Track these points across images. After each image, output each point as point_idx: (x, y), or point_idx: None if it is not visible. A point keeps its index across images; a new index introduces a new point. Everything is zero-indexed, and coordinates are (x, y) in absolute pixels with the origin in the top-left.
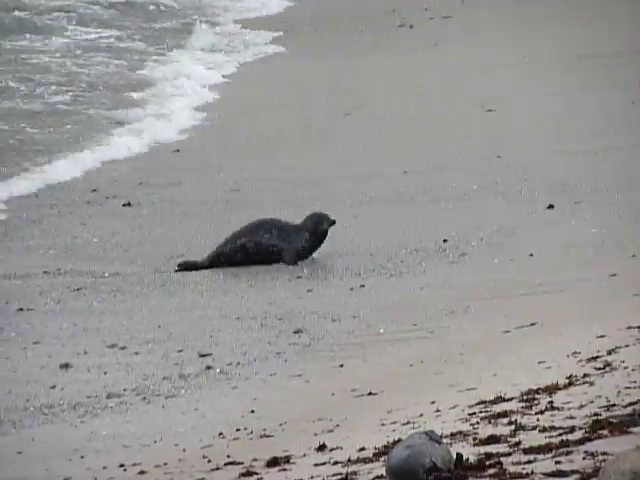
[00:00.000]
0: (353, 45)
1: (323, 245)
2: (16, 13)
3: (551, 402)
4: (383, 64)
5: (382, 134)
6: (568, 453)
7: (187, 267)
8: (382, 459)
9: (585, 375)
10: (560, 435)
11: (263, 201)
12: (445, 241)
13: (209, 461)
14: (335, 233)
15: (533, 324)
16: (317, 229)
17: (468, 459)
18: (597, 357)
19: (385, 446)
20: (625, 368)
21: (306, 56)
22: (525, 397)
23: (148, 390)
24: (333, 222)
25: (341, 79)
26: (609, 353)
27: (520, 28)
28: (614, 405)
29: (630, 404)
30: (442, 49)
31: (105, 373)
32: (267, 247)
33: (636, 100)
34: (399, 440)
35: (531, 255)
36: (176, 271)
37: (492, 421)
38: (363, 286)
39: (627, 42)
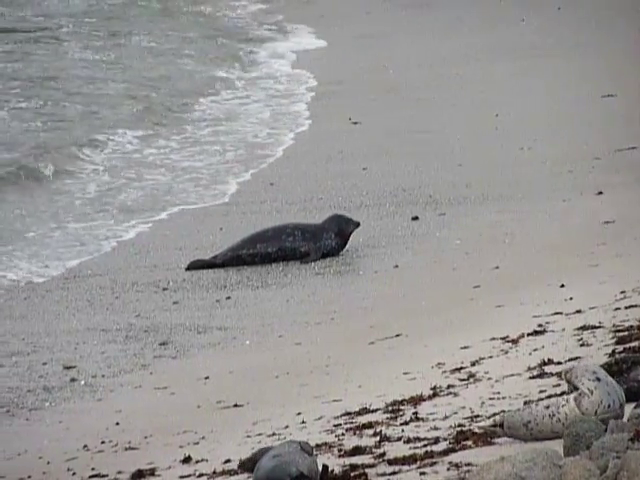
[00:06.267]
0: None
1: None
2: None
3: (416, 413)
4: None
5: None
6: (433, 464)
7: (198, 266)
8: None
9: (449, 386)
10: (425, 446)
11: None
12: None
13: (74, 474)
14: (202, 243)
15: (398, 335)
16: (342, 231)
17: (333, 470)
18: (461, 368)
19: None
20: (489, 379)
21: None
22: (390, 408)
23: (12, 403)
24: (357, 224)
25: None
26: (473, 364)
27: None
28: (478, 416)
29: (494, 415)
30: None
31: None
32: (293, 250)
33: (498, 114)
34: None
35: (396, 267)
36: (187, 270)
37: (357, 432)
38: (229, 298)
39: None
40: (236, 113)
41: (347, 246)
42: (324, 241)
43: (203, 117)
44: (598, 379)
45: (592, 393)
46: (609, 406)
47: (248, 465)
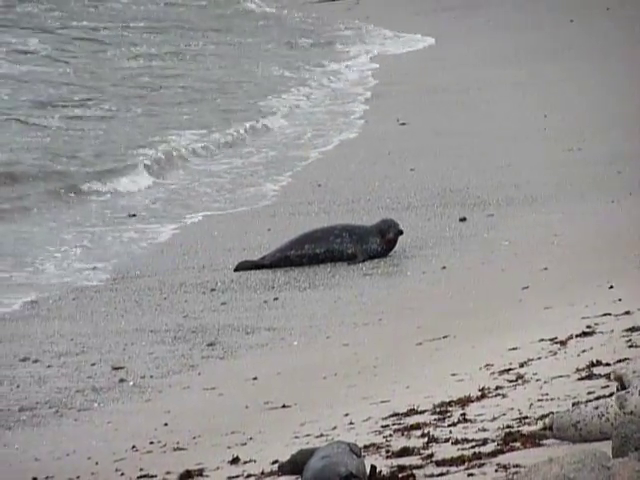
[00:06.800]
0: None
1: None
2: None
3: (464, 414)
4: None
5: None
6: (481, 465)
7: (246, 267)
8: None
9: (497, 387)
10: (473, 447)
11: None
12: None
13: (122, 474)
14: (250, 244)
15: (446, 336)
16: (386, 236)
17: (381, 471)
18: (509, 369)
19: None
20: (537, 380)
21: None
22: (438, 409)
23: (61, 403)
24: (400, 232)
25: None
26: (521, 365)
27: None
28: (526, 417)
29: (542, 416)
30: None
31: (18, 386)
32: (340, 252)
33: (547, 114)
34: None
35: (444, 268)
36: (235, 271)
37: (405, 433)
38: (277, 299)
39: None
40: (291, 112)
41: (395, 248)
42: (370, 244)
43: (254, 117)
44: None
45: None
46: None
47: (287, 468)
